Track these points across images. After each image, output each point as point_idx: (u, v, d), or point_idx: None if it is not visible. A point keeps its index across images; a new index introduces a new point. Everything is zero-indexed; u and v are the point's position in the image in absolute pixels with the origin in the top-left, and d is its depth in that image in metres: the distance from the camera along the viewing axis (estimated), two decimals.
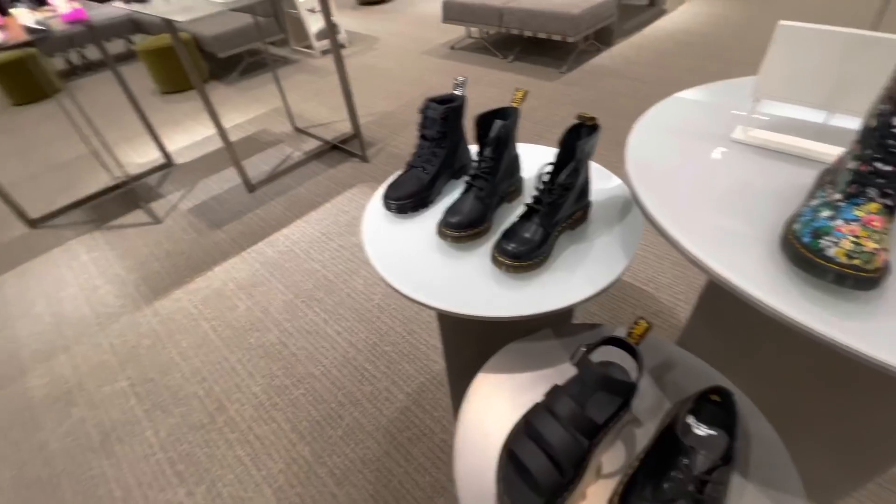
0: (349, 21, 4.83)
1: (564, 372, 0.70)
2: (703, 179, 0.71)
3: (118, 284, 1.86)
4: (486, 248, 0.78)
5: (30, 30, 1.70)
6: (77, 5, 1.83)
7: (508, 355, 0.74)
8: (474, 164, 0.80)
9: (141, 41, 4.50)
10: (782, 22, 0.68)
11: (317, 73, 3.64)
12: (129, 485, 1.23)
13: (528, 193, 0.89)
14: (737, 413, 0.54)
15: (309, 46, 4.06)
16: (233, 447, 1.28)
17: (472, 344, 1.01)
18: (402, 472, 1.18)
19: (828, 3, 3.84)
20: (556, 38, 3.09)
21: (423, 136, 0.88)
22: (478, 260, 0.75)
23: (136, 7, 1.77)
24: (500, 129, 0.77)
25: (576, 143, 0.71)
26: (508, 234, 0.72)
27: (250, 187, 2.31)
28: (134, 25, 4.44)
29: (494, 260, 0.72)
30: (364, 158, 2.46)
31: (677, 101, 0.93)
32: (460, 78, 0.89)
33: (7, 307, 1.83)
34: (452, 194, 0.92)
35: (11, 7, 1.88)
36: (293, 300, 1.69)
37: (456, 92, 0.89)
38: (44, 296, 1.86)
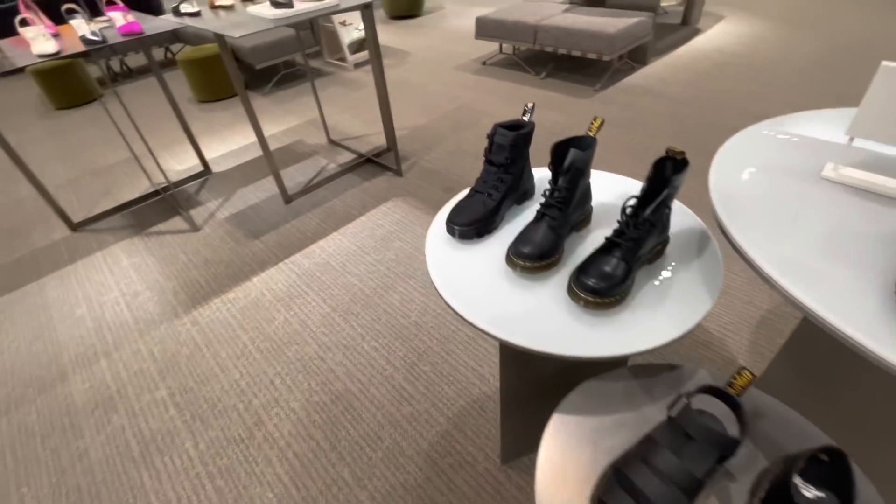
0: (380, 35, 4.90)
1: (647, 416, 0.67)
2: (800, 219, 0.68)
3: (157, 291, 1.88)
4: (557, 279, 0.75)
5: (86, 40, 1.75)
6: (132, 18, 1.88)
7: (584, 395, 0.71)
8: (547, 193, 0.78)
9: (179, 51, 4.63)
10: (886, 63, 0.65)
11: (350, 85, 3.69)
12: (169, 498, 1.22)
13: (597, 223, 0.87)
14: (853, 476, 0.50)
15: (342, 59, 4.12)
16: (272, 464, 1.26)
17: (535, 377, 0.98)
18: (445, 502, 1.15)
19: (868, 26, 3.76)
20: (591, 56, 3.08)
21: (489, 162, 0.87)
22: (549, 291, 0.73)
23: (189, 21, 1.82)
24: (576, 158, 0.75)
25: (665, 178, 0.68)
26: (588, 268, 0.70)
27: (287, 198, 2.33)
28: (174, 36, 4.57)
29: (572, 293, 0.70)
30: (398, 173, 2.47)
31: (755, 134, 0.90)
32: (529, 104, 0.88)
33: (49, 309, 1.87)
34: (516, 220, 0.90)
35: (69, 17, 1.94)
36: (330, 314, 1.69)
37: (524, 118, 0.88)
38: (86, 299, 1.89)
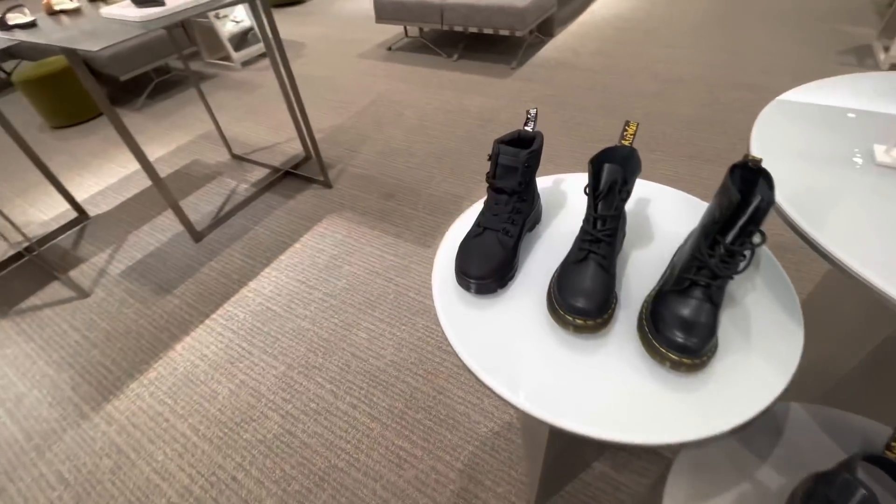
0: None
1: (764, 487, 0.55)
2: (879, 218, 0.59)
3: (49, 388, 1.47)
4: (616, 331, 0.60)
5: None
6: None
7: (690, 472, 0.57)
8: (588, 224, 0.62)
9: (14, 69, 3.80)
10: None
11: (241, 88, 3.23)
12: None
13: (632, 250, 0.73)
14: None
15: (226, 58, 3.61)
16: None
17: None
18: None
19: None
20: (503, 32, 2.96)
21: (498, 190, 0.69)
22: (611, 350, 0.58)
23: (22, 36, 1.37)
24: (617, 175, 0.60)
25: (750, 194, 0.55)
26: (664, 315, 0.56)
27: (196, 235, 1.95)
28: (4, 52, 3.69)
29: (655, 353, 0.55)
30: (326, 184, 2.18)
31: (780, 114, 0.81)
32: (532, 110, 0.70)
33: None
34: (532, 253, 0.73)
35: None
36: (287, 373, 1.42)
37: (527, 127, 0.70)
38: None
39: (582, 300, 0.59)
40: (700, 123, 2.30)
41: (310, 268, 1.77)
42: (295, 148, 2.47)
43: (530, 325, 0.62)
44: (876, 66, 2.55)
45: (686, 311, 0.56)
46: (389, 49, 3.55)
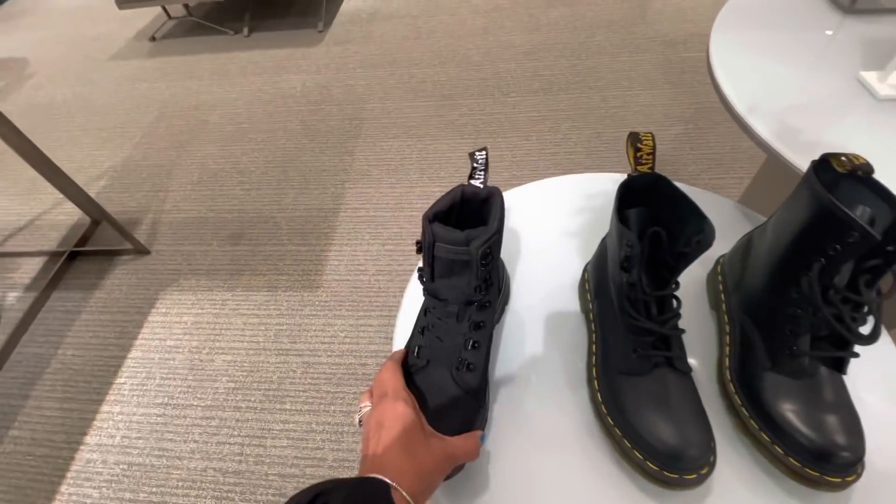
0: None
1: None
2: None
3: None
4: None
5: None
6: None
7: None
8: (637, 315, 0.39)
9: None
10: None
11: None
12: None
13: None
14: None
15: None
16: None
17: None
18: None
19: None
20: None
21: (441, 298, 0.41)
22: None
23: None
24: (649, 225, 0.37)
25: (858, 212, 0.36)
26: (809, 418, 0.37)
27: None
28: None
29: (803, 479, 0.37)
30: (140, 249, 1.61)
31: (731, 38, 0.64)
32: (479, 154, 0.43)
33: None
34: (503, 352, 0.49)
35: None
36: None
37: (475, 181, 0.43)
38: None
39: (690, 449, 0.37)
40: (537, 52, 2.20)
41: (167, 380, 1.28)
42: (70, 214, 1.77)
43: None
44: None
45: (821, 403, 0.38)
46: (153, 39, 2.75)
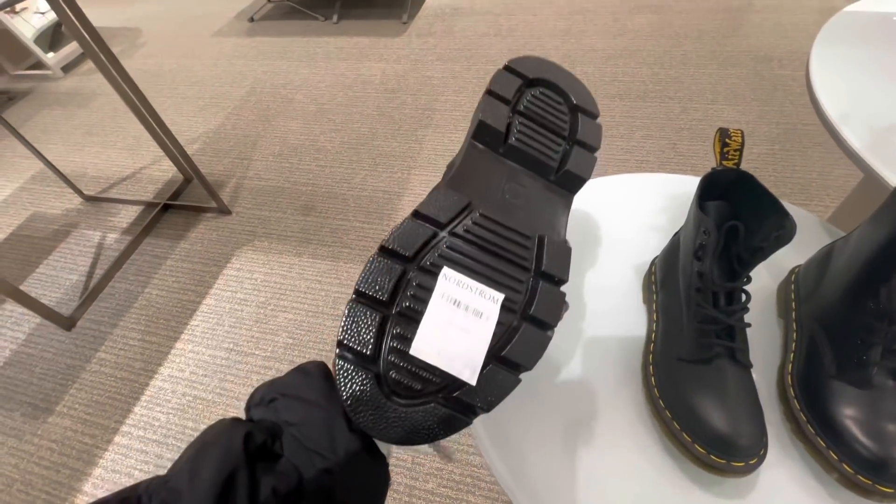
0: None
1: None
2: None
3: None
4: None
5: None
6: None
7: None
8: (704, 303, 0.40)
9: None
10: None
11: (71, 102, 2.52)
12: None
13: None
14: None
15: (38, 65, 2.78)
16: None
17: None
18: None
19: None
20: None
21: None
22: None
23: None
24: (728, 218, 0.38)
25: None
26: (869, 427, 0.37)
27: (64, 322, 1.47)
28: None
29: (856, 487, 0.37)
30: (223, 209, 1.76)
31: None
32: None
33: None
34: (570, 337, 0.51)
35: None
36: None
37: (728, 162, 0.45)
38: None
39: (733, 428, 0.38)
40: (617, 57, 2.16)
41: (235, 328, 1.40)
42: (167, 170, 1.96)
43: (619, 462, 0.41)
44: None
45: (882, 419, 0.37)
46: (251, 20, 2.96)
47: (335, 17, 2.80)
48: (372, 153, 1.89)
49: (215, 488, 0.28)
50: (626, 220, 0.61)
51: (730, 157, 0.40)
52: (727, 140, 0.40)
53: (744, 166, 0.40)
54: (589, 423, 0.45)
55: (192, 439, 0.34)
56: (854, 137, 0.55)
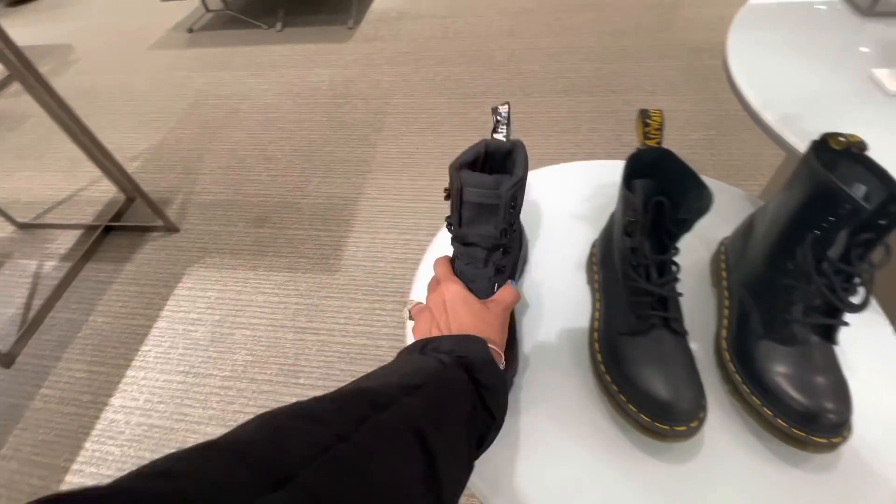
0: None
1: None
2: None
3: None
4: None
5: None
6: None
7: None
8: (637, 277, 0.42)
9: None
10: None
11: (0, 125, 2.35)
12: None
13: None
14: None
15: None
16: None
17: None
18: None
19: None
20: None
21: (469, 244, 0.44)
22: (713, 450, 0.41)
23: None
24: (653, 194, 0.40)
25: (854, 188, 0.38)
26: (798, 381, 0.39)
27: (3, 359, 1.37)
28: None
29: (791, 440, 0.39)
30: (170, 227, 1.68)
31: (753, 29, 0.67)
32: (502, 108, 0.46)
33: None
34: (531, 323, 0.52)
35: None
36: None
37: (498, 135, 0.46)
38: None
39: (682, 401, 0.39)
40: (561, 54, 2.22)
41: (190, 350, 1.34)
42: (106, 191, 1.86)
43: (566, 438, 0.42)
44: None
45: (809, 367, 0.40)
46: (190, 31, 2.86)
47: (279, 25, 2.74)
48: (325, 160, 1.86)
49: None
50: (571, 206, 0.63)
51: (651, 136, 0.42)
52: (647, 120, 0.42)
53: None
54: (544, 406, 0.46)
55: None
56: (770, 115, 0.58)
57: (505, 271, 0.45)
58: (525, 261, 0.56)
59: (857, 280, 0.39)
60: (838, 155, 0.39)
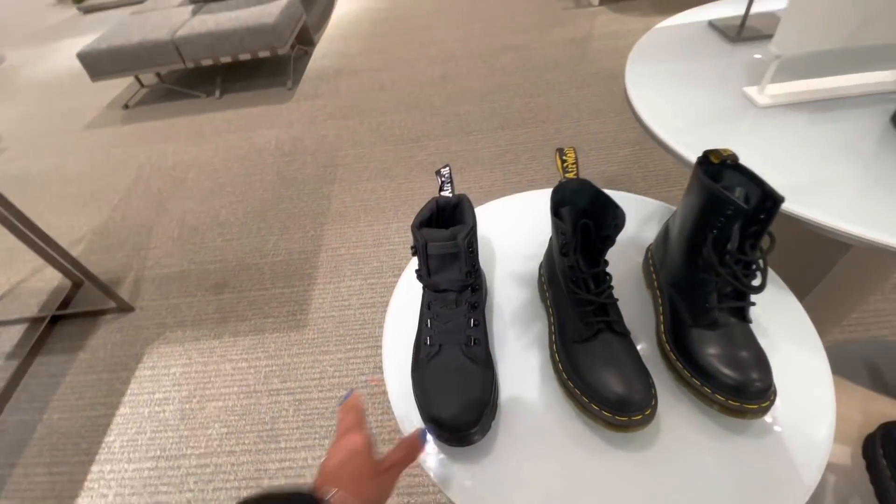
0: None
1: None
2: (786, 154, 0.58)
3: None
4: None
5: None
6: None
7: None
8: (579, 290, 0.48)
9: None
10: None
11: None
12: None
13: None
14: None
15: None
16: None
17: None
18: None
19: None
20: (263, 54, 2.61)
21: (439, 290, 0.50)
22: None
23: None
24: (579, 219, 0.47)
25: (735, 191, 0.47)
26: (726, 359, 0.46)
27: None
28: None
29: (730, 411, 0.45)
30: (124, 307, 1.63)
31: (642, 68, 0.78)
32: (444, 170, 0.52)
33: None
34: (499, 342, 0.57)
35: None
36: None
37: (444, 193, 0.52)
38: None
39: (634, 394, 0.45)
40: (493, 93, 2.39)
41: (159, 433, 1.29)
42: (51, 279, 1.78)
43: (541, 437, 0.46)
44: (588, 5, 3.01)
45: (730, 342, 0.46)
46: (126, 107, 2.85)
47: (217, 93, 2.79)
48: (280, 217, 1.88)
49: None
50: (517, 234, 0.69)
51: (569, 169, 0.49)
52: (563, 157, 0.49)
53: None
54: (518, 415, 0.50)
55: None
56: (662, 132, 0.68)
57: (478, 306, 0.51)
58: (486, 291, 0.61)
59: (754, 266, 0.46)
60: (719, 166, 0.48)
